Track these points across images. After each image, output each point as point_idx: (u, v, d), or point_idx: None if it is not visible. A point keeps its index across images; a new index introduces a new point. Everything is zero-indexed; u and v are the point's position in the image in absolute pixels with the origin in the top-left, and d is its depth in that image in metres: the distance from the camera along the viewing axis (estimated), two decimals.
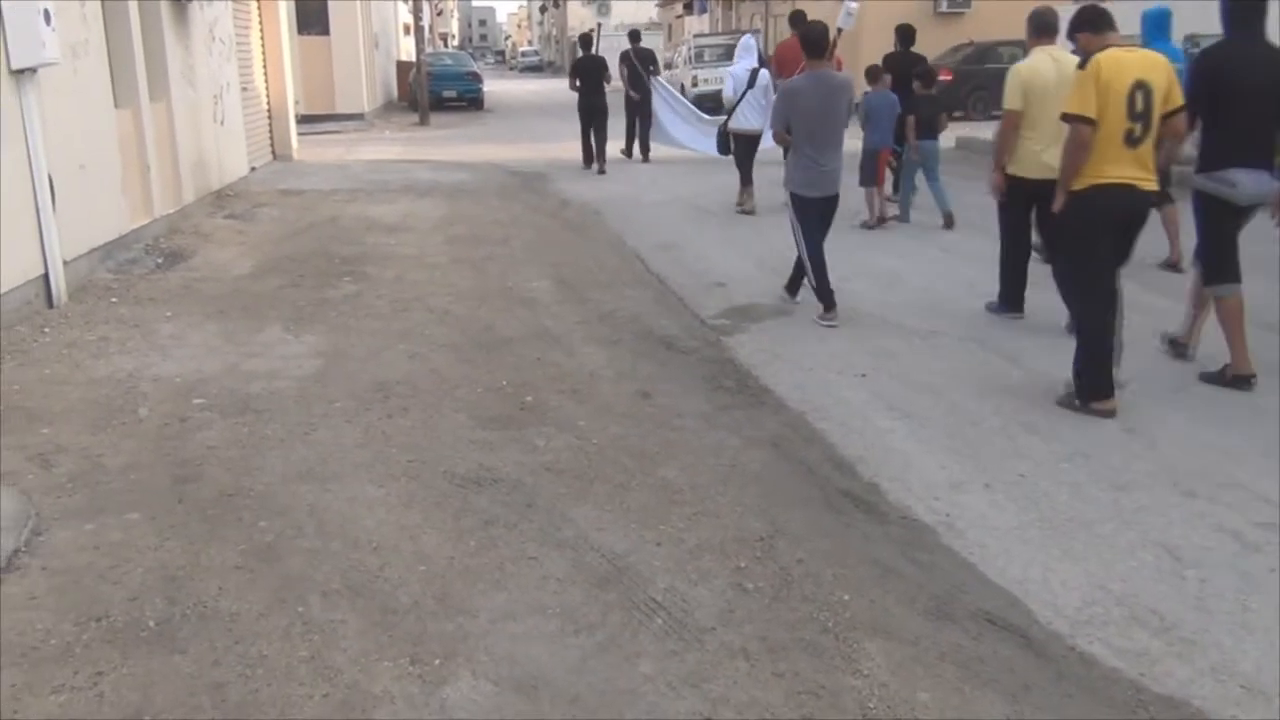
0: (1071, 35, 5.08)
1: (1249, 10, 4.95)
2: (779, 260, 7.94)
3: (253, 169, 12.52)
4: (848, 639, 2.91)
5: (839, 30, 7.97)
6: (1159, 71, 4.54)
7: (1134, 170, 4.54)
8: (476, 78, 28.55)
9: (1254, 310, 5.10)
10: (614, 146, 14.03)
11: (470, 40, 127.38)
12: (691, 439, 4.36)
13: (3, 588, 3.11)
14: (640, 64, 14.02)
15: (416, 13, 26.02)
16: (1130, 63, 4.53)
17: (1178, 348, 5.36)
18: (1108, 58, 4.53)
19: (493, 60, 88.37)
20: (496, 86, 39.50)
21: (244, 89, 12.13)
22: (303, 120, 17.56)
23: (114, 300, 6.54)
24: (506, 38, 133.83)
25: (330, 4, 21.31)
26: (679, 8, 45.23)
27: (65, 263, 6.39)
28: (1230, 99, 4.86)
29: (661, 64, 18.50)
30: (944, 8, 23.38)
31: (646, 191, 11.87)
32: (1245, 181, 4.85)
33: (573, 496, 3.78)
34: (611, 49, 15.88)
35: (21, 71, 5.86)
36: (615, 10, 51.45)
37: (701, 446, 4.28)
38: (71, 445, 4.19)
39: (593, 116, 13.61)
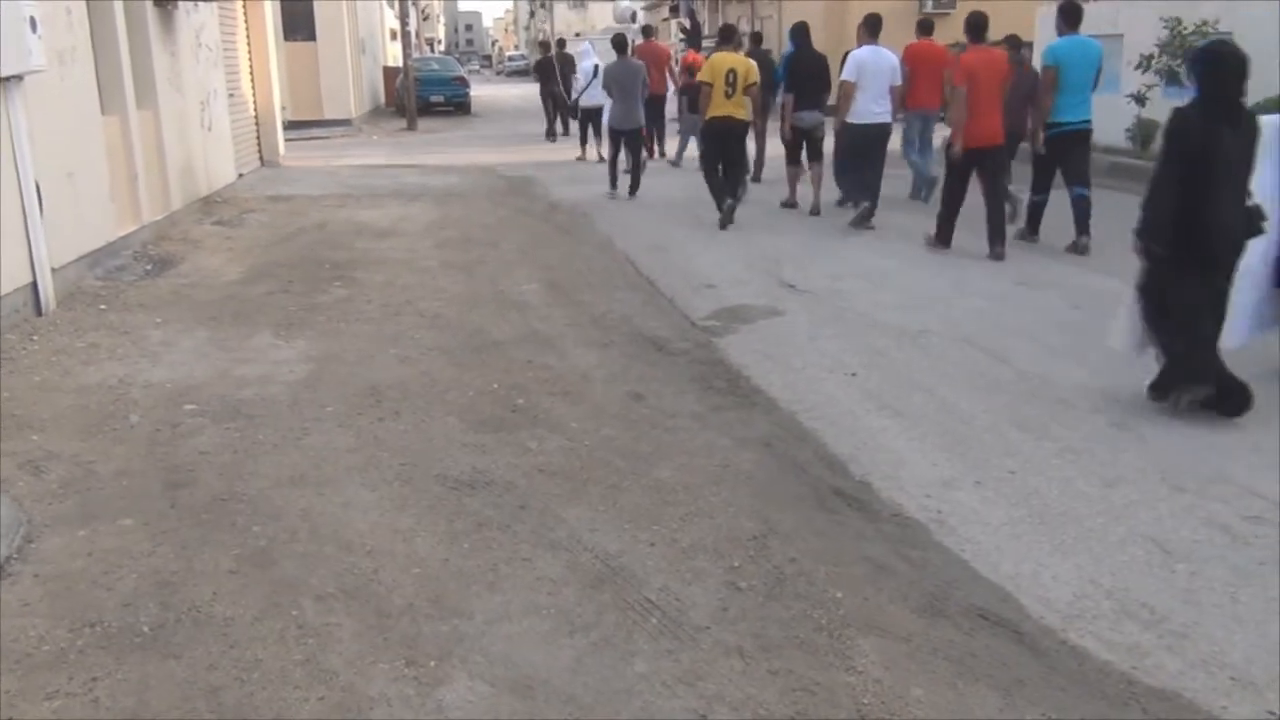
0: (719, 44, 10.26)
1: (802, 31, 10.37)
2: (768, 262, 7.97)
3: (240, 175, 12.49)
4: (841, 636, 2.92)
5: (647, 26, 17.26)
6: (742, 64, 9.46)
7: (729, 109, 9.37)
8: (463, 82, 28.54)
9: None
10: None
11: (456, 45, 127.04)
12: (684, 439, 4.37)
13: None
14: (562, 64, 18.72)
15: (403, 18, 26.01)
16: (728, 59, 9.48)
17: (788, 205, 10.55)
18: (717, 55, 9.65)
19: (477, 65, 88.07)
20: (483, 91, 39.46)
21: (231, 95, 12.10)
22: (290, 126, 17.53)
23: (103, 307, 6.53)
24: (493, 42, 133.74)
25: (316, 10, 21.29)
26: (665, 10, 45.27)
27: (53, 270, 6.37)
28: (799, 77, 10.14)
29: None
30: (929, 8, 23.45)
31: (637, 196, 11.87)
32: (806, 117, 10.09)
33: (566, 498, 3.79)
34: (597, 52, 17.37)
35: (8, 79, 5.85)
36: (603, 11, 51.45)
37: (694, 447, 4.29)
38: (62, 452, 4.18)
39: (549, 100, 19.21)
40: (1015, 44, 9.33)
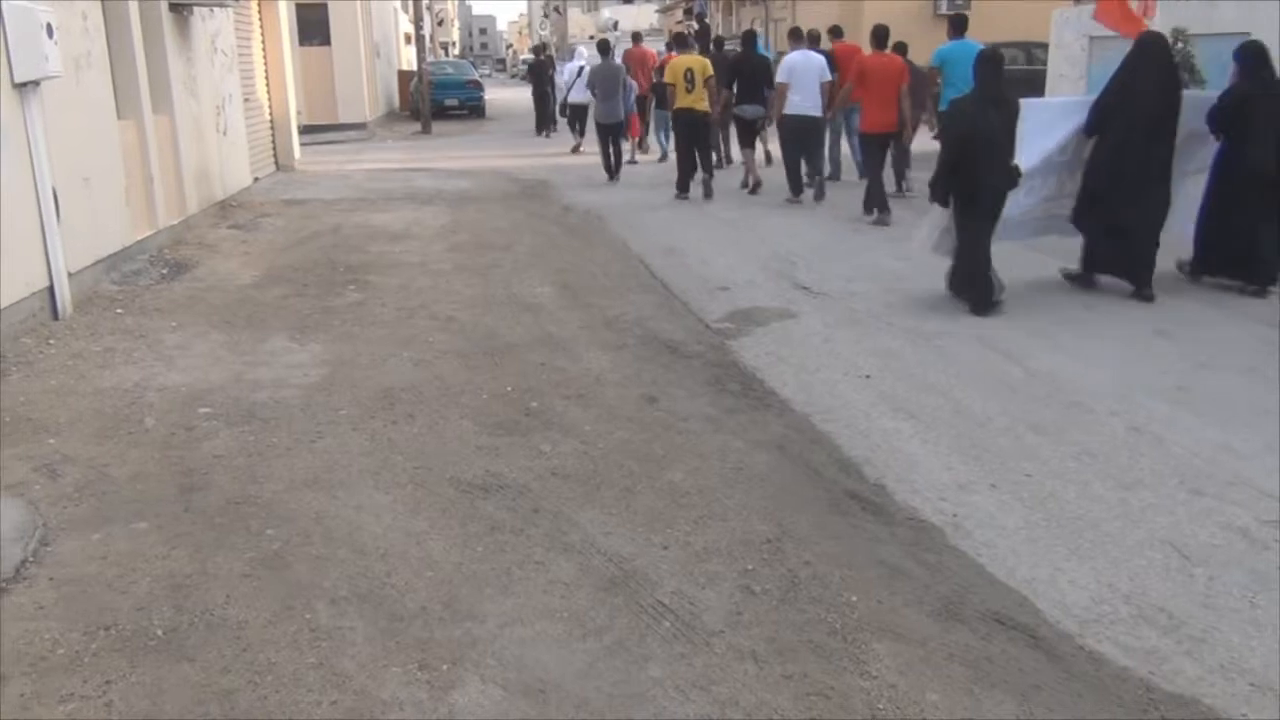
0: (675, 49, 12.90)
1: (749, 39, 12.07)
2: (782, 264, 7.95)
3: (256, 179, 12.54)
4: (856, 640, 2.90)
5: (626, 35, 20.79)
6: (698, 63, 11.33)
7: (691, 102, 11.22)
8: (478, 86, 28.55)
9: None
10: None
11: (471, 49, 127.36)
12: (697, 442, 4.36)
13: (11, 598, 3.11)
14: (547, 67, 21.25)
15: (417, 22, 26.08)
16: (685, 60, 11.41)
17: (745, 187, 11.92)
18: (677, 58, 11.75)
19: (489, 70, 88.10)
20: (497, 94, 39.52)
21: (246, 100, 12.16)
22: (305, 130, 17.59)
23: (119, 311, 6.56)
24: (508, 46, 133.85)
25: (331, 15, 21.37)
26: (679, 12, 45.29)
27: (70, 274, 6.41)
28: (741, 75, 11.58)
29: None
30: (944, 9, 23.40)
31: (648, 197, 11.89)
32: (747, 110, 11.66)
33: (579, 501, 3.78)
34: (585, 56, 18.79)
35: (25, 85, 5.88)
36: (615, 15, 51.62)
37: (707, 450, 4.28)
38: (78, 455, 4.20)
39: (540, 100, 21.08)
40: (903, 50, 10.75)
